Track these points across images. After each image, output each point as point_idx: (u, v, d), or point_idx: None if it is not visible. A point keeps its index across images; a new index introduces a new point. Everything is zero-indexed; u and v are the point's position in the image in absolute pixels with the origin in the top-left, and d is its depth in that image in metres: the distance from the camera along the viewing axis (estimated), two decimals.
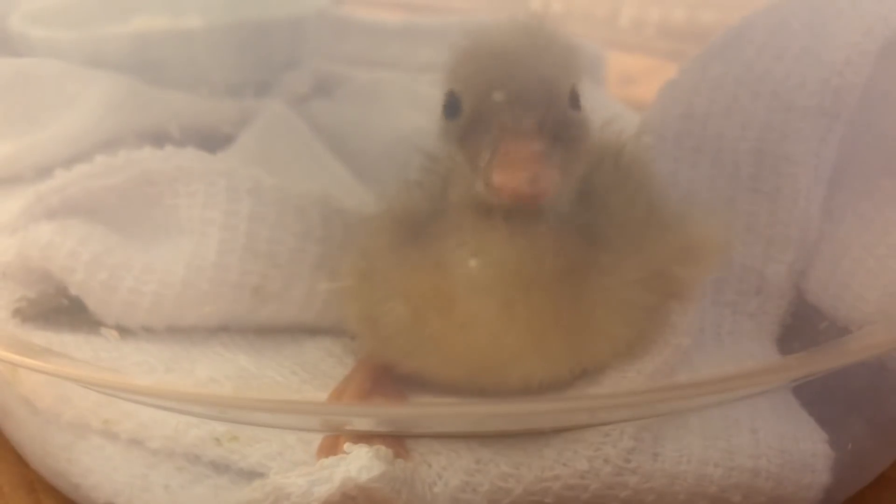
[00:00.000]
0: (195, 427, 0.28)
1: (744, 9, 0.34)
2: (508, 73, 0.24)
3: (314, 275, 0.32)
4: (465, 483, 0.26)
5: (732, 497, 0.26)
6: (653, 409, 0.27)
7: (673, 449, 0.27)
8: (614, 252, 0.26)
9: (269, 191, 0.32)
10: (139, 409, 0.28)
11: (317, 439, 0.27)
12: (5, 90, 0.41)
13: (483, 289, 0.25)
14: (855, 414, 0.30)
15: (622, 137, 0.30)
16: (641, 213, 0.28)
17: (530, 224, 0.25)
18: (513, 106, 0.24)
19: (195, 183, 0.32)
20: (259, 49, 0.46)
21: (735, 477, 0.26)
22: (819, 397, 0.29)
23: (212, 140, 0.38)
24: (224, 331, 0.32)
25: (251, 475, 0.27)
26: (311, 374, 0.31)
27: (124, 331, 0.31)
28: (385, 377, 0.28)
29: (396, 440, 0.26)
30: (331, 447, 0.26)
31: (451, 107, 0.25)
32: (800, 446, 0.27)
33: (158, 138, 0.34)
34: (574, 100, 0.25)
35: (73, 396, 0.29)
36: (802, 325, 0.32)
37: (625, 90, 0.46)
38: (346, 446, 0.25)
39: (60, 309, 0.32)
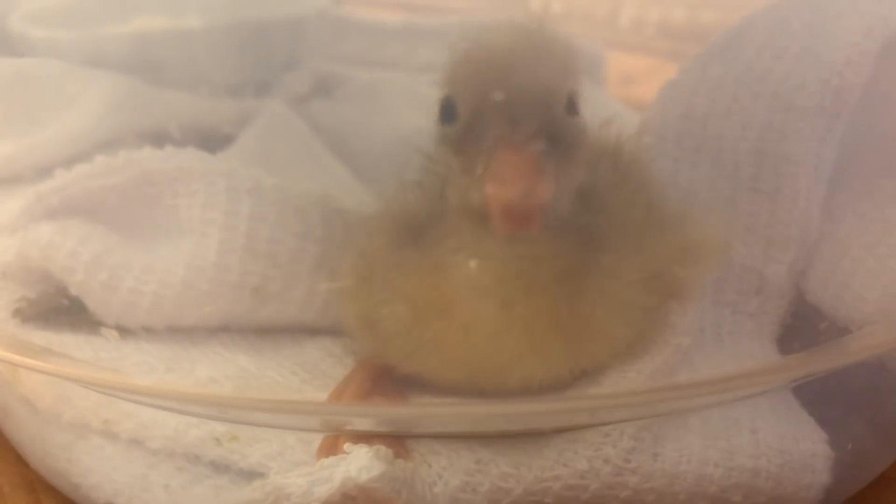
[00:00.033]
0: (195, 427, 0.28)
1: (744, 9, 0.34)
2: (503, 80, 0.24)
3: (314, 275, 0.32)
4: (466, 483, 0.26)
5: (732, 497, 0.26)
6: (653, 409, 0.27)
7: (673, 449, 0.27)
8: (614, 253, 0.26)
9: (269, 191, 0.32)
10: (139, 409, 0.28)
11: (317, 439, 0.27)
12: (5, 90, 0.41)
13: (482, 291, 0.25)
14: (855, 414, 0.30)
15: (622, 137, 0.30)
16: (641, 214, 0.28)
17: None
18: (507, 115, 0.23)
19: (195, 183, 0.32)
20: (259, 49, 0.46)
21: (735, 477, 0.26)
22: (819, 397, 0.29)
23: (212, 140, 0.38)
24: (224, 331, 0.32)
25: (251, 475, 0.27)
26: (311, 375, 0.31)
27: (124, 331, 0.31)
28: (385, 377, 0.28)
29: (396, 440, 0.26)
30: (331, 447, 0.26)
31: (447, 112, 0.25)
32: (800, 446, 0.27)
33: (158, 138, 0.34)
34: (571, 106, 0.25)
35: (73, 396, 0.29)
36: (802, 325, 0.32)
37: (625, 90, 0.46)
38: (347, 446, 0.25)
39: (60, 309, 0.32)
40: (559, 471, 0.26)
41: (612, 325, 0.26)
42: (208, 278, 0.31)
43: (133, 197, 0.32)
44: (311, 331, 0.33)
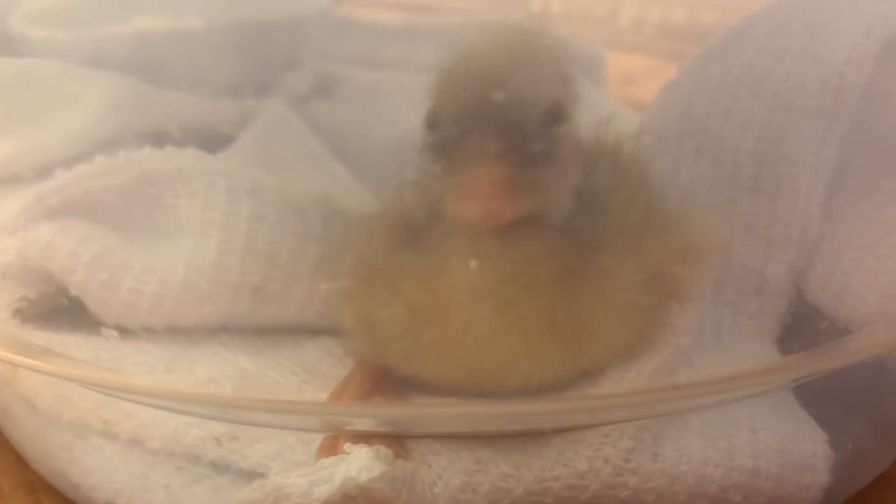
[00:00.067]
0: (195, 427, 0.28)
1: (744, 9, 0.34)
2: (478, 95, 0.24)
3: (314, 275, 0.32)
4: (465, 483, 0.26)
5: (732, 497, 0.26)
6: (653, 410, 0.27)
7: (673, 449, 0.27)
8: (613, 253, 0.26)
9: (269, 191, 0.32)
10: (139, 409, 0.28)
11: (317, 439, 0.27)
12: (5, 90, 0.41)
13: (480, 292, 0.25)
14: (855, 414, 0.30)
15: (621, 137, 0.30)
16: (640, 214, 0.28)
17: (527, 228, 0.25)
18: (482, 128, 0.24)
19: (195, 183, 0.32)
20: (259, 49, 0.46)
21: (735, 477, 0.26)
22: (819, 397, 0.29)
23: (212, 140, 0.38)
24: (224, 331, 0.32)
25: (251, 475, 0.27)
26: (311, 375, 0.31)
27: (124, 331, 0.31)
28: (385, 377, 0.28)
29: (396, 440, 0.26)
30: (331, 447, 0.26)
31: (430, 120, 0.25)
32: (800, 446, 0.27)
33: (158, 138, 0.34)
34: (556, 115, 0.25)
35: (73, 396, 0.29)
36: (802, 325, 0.32)
37: (625, 90, 0.46)
38: (347, 446, 0.25)
39: (60, 309, 0.32)
40: (559, 471, 0.26)
41: (611, 327, 0.26)
42: (208, 278, 0.31)
43: (133, 197, 0.32)
44: (311, 331, 0.33)
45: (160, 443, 0.28)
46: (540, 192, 0.24)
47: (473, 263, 0.25)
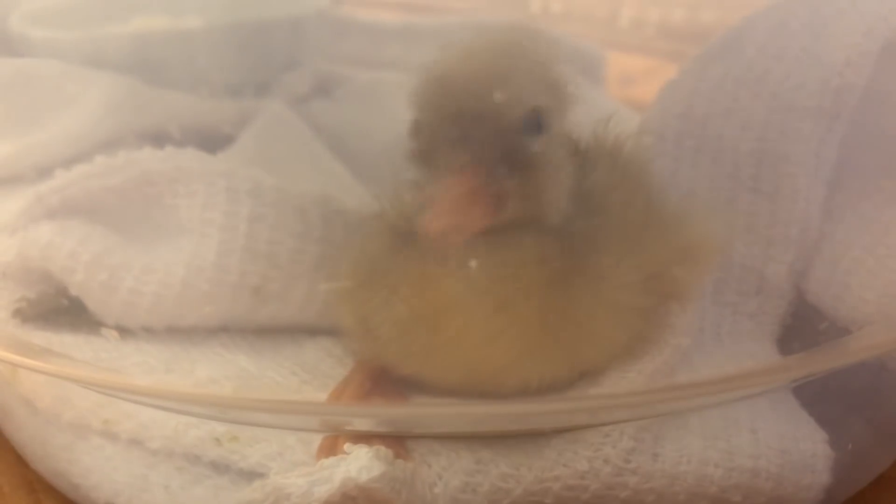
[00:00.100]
0: (195, 427, 0.28)
1: (744, 9, 0.34)
2: (451, 106, 0.24)
3: (314, 275, 0.32)
4: (465, 483, 0.26)
5: (732, 497, 0.26)
6: (653, 410, 0.27)
7: (673, 449, 0.27)
8: (612, 254, 0.26)
9: (268, 191, 0.32)
10: (139, 409, 0.28)
11: (317, 439, 0.27)
12: (5, 90, 0.41)
13: (478, 294, 0.25)
14: (855, 414, 0.30)
15: (620, 137, 0.30)
16: (639, 214, 0.28)
17: (525, 230, 0.25)
18: (454, 141, 0.24)
19: (195, 183, 0.32)
20: (259, 49, 0.46)
21: (735, 477, 0.26)
22: (819, 397, 0.29)
23: (212, 140, 0.38)
24: (224, 331, 0.32)
25: (251, 475, 0.27)
26: (310, 375, 0.31)
27: (124, 331, 0.31)
28: (385, 378, 0.28)
29: (396, 440, 0.26)
30: (331, 447, 0.26)
31: (413, 128, 0.25)
32: (800, 446, 0.27)
33: (158, 138, 0.34)
34: (534, 124, 0.25)
35: (73, 396, 0.29)
36: (802, 325, 0.32)
37: (625, 90, 0.46)
38: (346, 447, 0.25)
39: (60, 309, 0.32)
40: (559, 471, 0.26)
41: (610, 327, 0.26)
42: (208, 278, 0.31)
43: (133, 197, 0.32)
44: (310, 331, 0.33)
45: (160, 443, 0.28)
46: (525, 199, 0.24)
47: (472, 264, 0.25)
